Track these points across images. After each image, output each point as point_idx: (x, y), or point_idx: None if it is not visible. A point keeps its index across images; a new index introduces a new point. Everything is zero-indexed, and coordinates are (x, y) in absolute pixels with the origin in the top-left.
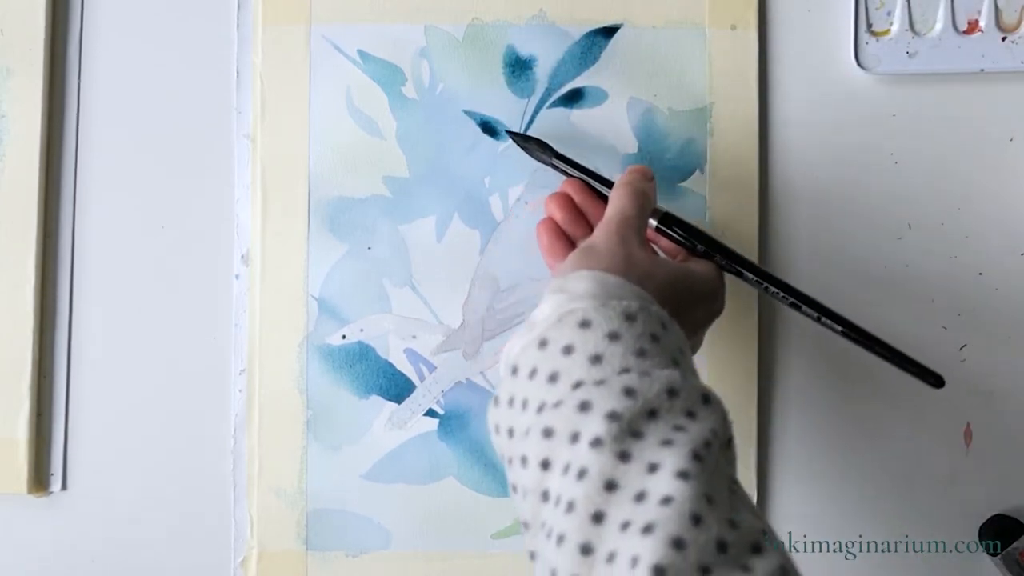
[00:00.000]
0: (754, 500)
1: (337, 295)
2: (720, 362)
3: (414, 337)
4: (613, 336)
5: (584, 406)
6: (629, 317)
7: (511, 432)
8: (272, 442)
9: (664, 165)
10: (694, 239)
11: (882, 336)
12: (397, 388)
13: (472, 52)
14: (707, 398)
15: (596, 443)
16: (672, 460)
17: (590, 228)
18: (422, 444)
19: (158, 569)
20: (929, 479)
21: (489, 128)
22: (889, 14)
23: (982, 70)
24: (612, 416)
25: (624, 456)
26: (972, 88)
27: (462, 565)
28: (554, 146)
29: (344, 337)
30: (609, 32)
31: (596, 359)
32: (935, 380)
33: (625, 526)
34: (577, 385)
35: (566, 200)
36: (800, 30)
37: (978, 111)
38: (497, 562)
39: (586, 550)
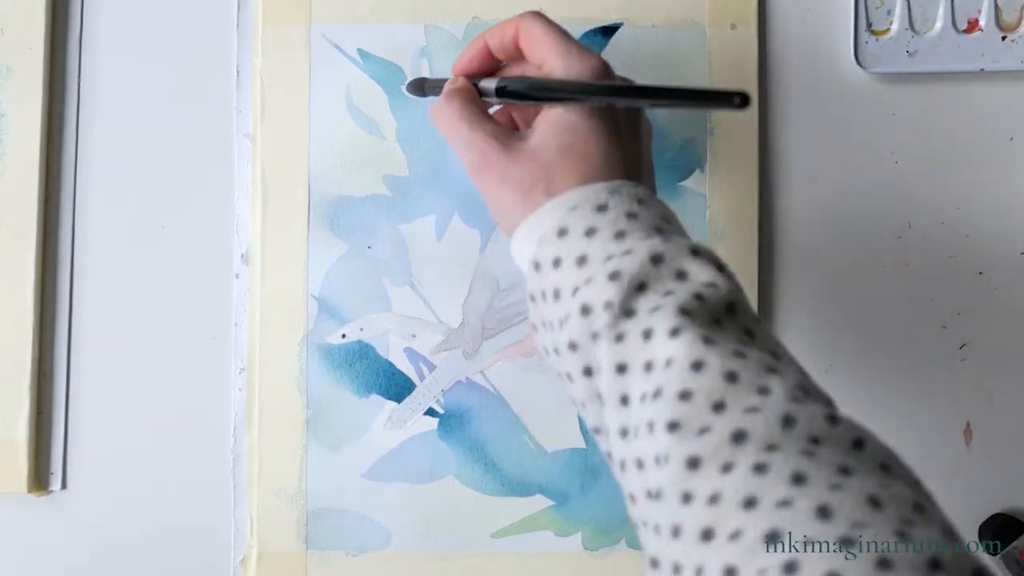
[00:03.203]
0: None
1: (337, 294)
2: None
3: (414, 336)
4: (590, 232)
5: (585, 309)
6: (600, 208)
7: (549, 351)
8: (272, 442)
9: (664, 165)
10: (540, 97)
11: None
12: (397, 387)
13: None
14: (696, 251)
15: (595, 336)
16: (662, 323)
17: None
18: (422, 443)
19: (158, 569)
20: (929, 479)
21: None
22: (889, 13)
23: (982, 69)
24: (607, 306)
25: (620, 338)
26: (972, 88)
27: (462, 565)
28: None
29: (344, 336)
30: (609, 31)
31: (582, 260)
32: (739, 99)
33: (643, 398)
34: (575, 292)
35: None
36: (800, 30)
37: (978, 111)
38: (497, 562)
39: (623, 432)
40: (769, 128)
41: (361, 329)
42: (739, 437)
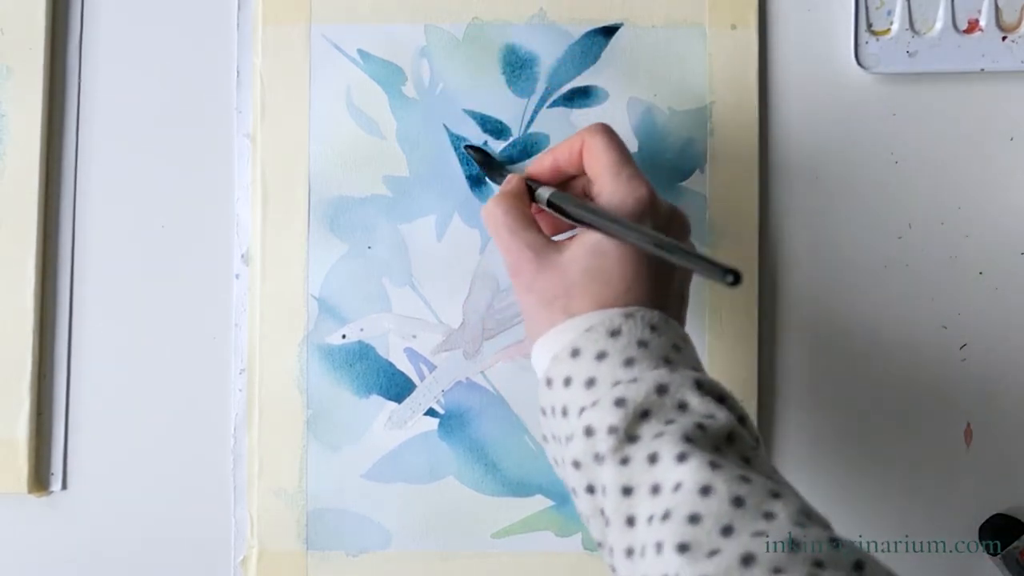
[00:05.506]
0: None
1: (337, 295)
2: (720, 362)
3: (414, 336)
4: (601, 356)
5: (588, 431)
6: (613, 333)
7: (557, 462)
8: (272, 442)
9: (664, 165)
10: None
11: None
12: (397, 388)
13: (472, 51)
14: (699, 383)
15: (598, 458)
16: (667, 448)
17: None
18: (422, 444)
19: (158, 569)
20: (929, 479)
21: (490, 127)
22: (889, 13)
23: (982, 70)
24: (611, 430)
25: (625, 461)
26: (972, 88)
27: (462, 565)
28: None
29: (344, 337)
30: (609, 31)
31: (591, 383)
32: (733, 276)
33: (651, 519)
34: (581, 412)
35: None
36: (800, 30)
37: (978, 111)
38: (497, 562)
39: (629, 552)
40: (769, 128)
41: (361, 329)
42: (748, 560)
